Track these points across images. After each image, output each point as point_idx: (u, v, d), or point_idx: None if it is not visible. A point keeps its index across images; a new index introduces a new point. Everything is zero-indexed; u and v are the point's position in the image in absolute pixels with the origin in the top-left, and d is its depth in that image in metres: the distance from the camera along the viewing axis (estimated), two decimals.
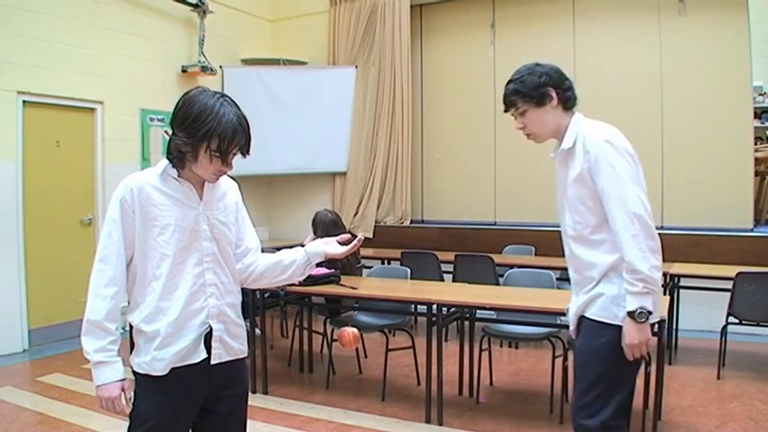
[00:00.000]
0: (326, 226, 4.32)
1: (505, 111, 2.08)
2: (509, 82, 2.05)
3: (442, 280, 5.10)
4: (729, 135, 5.60)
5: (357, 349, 4.53)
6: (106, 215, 1.70)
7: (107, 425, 3.40)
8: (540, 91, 1.98)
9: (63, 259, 5.33)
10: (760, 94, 6.15)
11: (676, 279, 4.69)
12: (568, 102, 2.02)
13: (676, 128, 5.81)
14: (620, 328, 1.94)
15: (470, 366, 3.92)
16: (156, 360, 1.67)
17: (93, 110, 5.60)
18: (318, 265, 1.95)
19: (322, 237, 2.09)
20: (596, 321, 2.01)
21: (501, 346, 4.91)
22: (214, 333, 1.74)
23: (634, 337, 1.90)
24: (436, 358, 3.51)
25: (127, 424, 1.71)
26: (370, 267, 4.87)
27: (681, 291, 4.88)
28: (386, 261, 5.84)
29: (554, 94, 1.99)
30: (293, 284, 3.54)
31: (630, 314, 1.89)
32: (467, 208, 6.82)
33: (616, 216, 1.90)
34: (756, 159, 5.74)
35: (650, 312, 1.88)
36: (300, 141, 6.92)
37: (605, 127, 1.99)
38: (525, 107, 2.01)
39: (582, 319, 2.07)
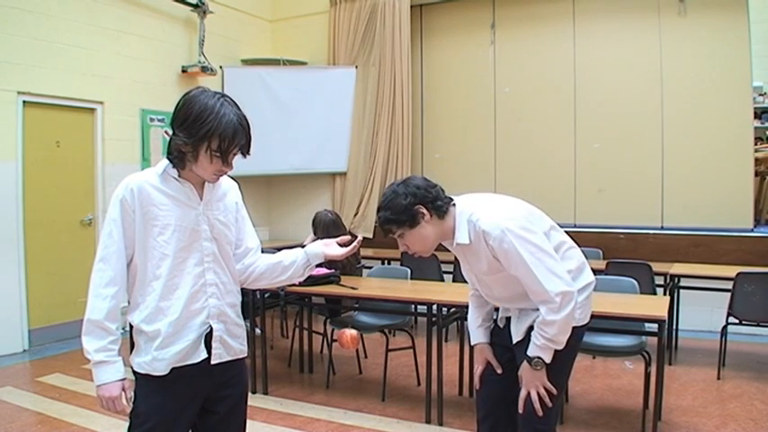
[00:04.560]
0: (327, 226, 4.32)
1: (386, 236, 2.05)
2: (379, 209, 2.02)
3: (442, 280, 5.10)
4: (729, 135, 5.60)
5: (357, 350, 4.53)
6: (107, 215, 1.70)
7: (107, 425, 3.40)
8: (409, 213, 1.95)
9: (63, 259, 5.33)
10: (760, 95, 6.15)
11: (676, 279, 4.69)
12: (440, 210, 1.99)
13: (676, 128, 5.80)
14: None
15: (470, 366, 3.90)
16: (156, 360, 1.67)
17: (93, 110, 5.59)
18: (318, 265, 1.95)
19: (322, 237, 2.10)
20: None
21: None
22: (214, 333, 1.74)
23: (530, 382, 2.00)
24: (436, 358, 3.51)
25: (127, 424, 1.71)
26: (370, 267, 4.87)
27: (681, 291, 4.88)
28: (386, 261, 5.84)
29: (424, 211, 1.96)
30: (293, 285, 3.55)
31: (528, 360, 1.99)
32: None
33: (536, 294, 1.91)
34: (756, 159, 5.74)
35: (546, 363, 1.98)
36: (300, 141, 6.91)
37: (498, 212, 1.96)
38: (401, 230, 1.98)
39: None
